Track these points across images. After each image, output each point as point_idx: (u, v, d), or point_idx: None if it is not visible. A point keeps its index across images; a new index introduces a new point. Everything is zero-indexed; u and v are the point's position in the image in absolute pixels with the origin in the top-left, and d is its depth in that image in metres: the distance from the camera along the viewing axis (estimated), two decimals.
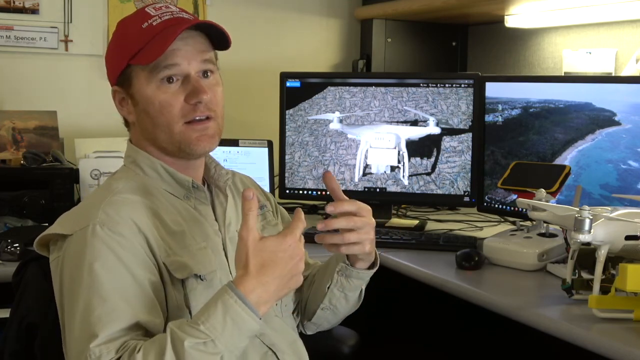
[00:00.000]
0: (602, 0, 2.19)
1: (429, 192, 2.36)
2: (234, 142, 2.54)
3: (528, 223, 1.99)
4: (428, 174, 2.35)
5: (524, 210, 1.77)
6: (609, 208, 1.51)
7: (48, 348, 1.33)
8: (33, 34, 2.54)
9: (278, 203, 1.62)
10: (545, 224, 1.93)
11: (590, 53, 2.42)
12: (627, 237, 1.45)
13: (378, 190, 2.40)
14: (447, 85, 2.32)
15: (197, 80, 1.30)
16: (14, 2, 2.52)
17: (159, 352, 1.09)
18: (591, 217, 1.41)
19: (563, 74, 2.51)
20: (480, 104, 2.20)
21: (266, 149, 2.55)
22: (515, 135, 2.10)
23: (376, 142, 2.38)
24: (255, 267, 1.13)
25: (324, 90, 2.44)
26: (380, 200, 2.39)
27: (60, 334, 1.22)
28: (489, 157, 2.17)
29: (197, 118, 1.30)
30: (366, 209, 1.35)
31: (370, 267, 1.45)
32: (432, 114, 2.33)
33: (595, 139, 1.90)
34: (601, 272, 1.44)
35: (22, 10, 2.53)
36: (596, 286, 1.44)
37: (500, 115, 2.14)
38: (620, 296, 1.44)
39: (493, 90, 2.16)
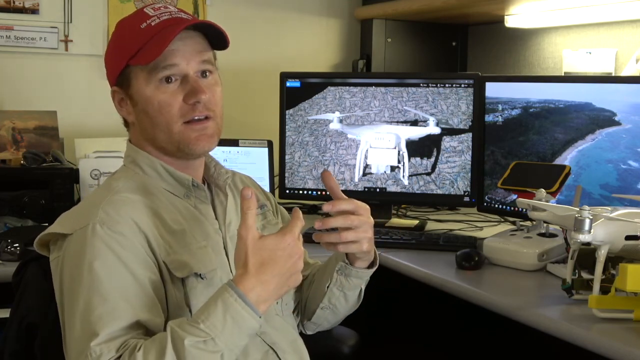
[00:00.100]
0: (602, 0, 2.19)
1: (429, 192, 2.36)
2: (234, 142, 2.54)
3: (528, 223, 1.99)
4: (428, 174, 2.35)
5: (524, 210, 1.77)
6: (609, 208, 1.51)
7: (48, 348, 1.33)
8: (33, 34, 2.54)
9: (278, 203, 1.62)
10: (545, 224, 1.93)
11: (590, 53, 2.42)
12: (627, 237, 1.45)
13: (378, 190, 2.40)
14: (447, 85, 2.32)
15: (196, 80, 1.30)
16: (14, 2, 2.52)
17: (160, 350, 1.09)
18: (591, 217, 1.41)
19: (563, 74, 2.51)
20: (480, 104, 2.20)
21: (266, 149, 2.55)
22: (515, 135, 2.10)
23: (376, 142, 2.38)
24: (255, 265, 1.14)
25: (324, 90, 2.44)
26: (380, 200, 2.39)
27: (60, 334, 1.22)
28: (489, 157, 2.17)
29: (195, 118, 1.30)
30: (364, 207, 1.35)
31: (370, 267, 1.45)
32: (432, 114, 2.33)
33: (595, 139, 1.90)
34: (601, 272, 1.44)
35: (22, 10, 2.53)
36: (596, 286, 1.44)
37: (500, 115, 2.14)
38: (620, 296, 1.44)
39: (493, 90, 2.16)
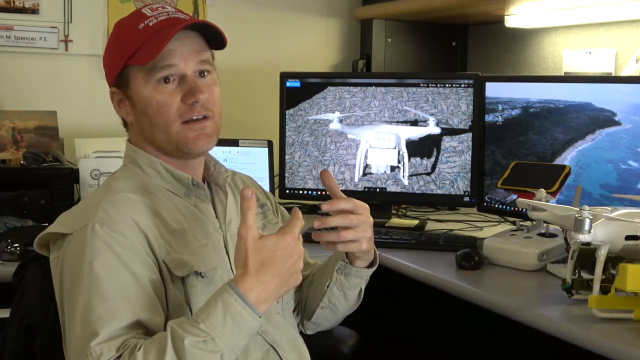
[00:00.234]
0: (602, 0, 2.19)
1: (429, 192, 2.36)
2: (234, 142, 2.54)
3: (528, 223, 1.99)
4: (428, 174, 2.35)
5: (524, 210, 1.77)
6: (609, 208, 1.51)
7: (48, 348, 1.33)
8: (33, 34, 2.54)
9: (278, 203, 1.62)
10: (545, 224, 1.93)
11: (590, 53, 2.42)
12: (627, 237, 1.45)
13: (378, 190, 2.40)
14: (447, 85, 2.32)
15: (194, 80, 1.30)
16: (14, 2, 2.52)
17: (160, 350, 1.09)
18: (591, 217, 1.41)
19: (563, 74, 2.51)
20: (480, 104, 2.20)
21: (266, 149, 2.55)
22: (515, 135, 2.10)
23: (376, 142, 2.38)
24: (255, 265, 1.14)
25: (324, 90, 2.44)
26: (380, 200, 2.39)
27: (60, 334, 1.22)
28: (489, 157, 2.17)
29: (194, 118, 1.30)
30: (363, 206, 1.35)
31: (370, 266, 1.45)
32: (432, 114, 2.33)
33: (595, 139, 1.90)
34: (601, 272, 1.44)
35: (22, 10, 2.53)
36: (596, 286, 1.44)
37: (500, 115, 2.14)
38: (620, 296, 1.44)
39: (493, 90, 2.16)
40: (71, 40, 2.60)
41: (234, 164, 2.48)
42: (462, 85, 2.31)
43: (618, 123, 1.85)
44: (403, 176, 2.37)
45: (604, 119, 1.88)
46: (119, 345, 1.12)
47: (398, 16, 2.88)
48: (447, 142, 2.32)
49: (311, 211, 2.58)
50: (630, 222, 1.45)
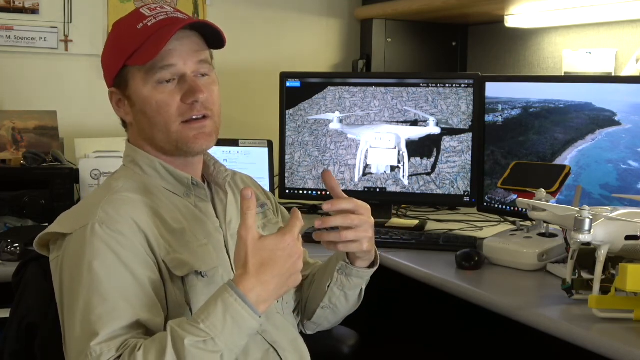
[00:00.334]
0: (602, 0, 2.19)
1: (429, 192, 2.36)
2: (234, 142, 2.54)
3: (528, 223, 1.99)
4: (428, 174, 2.35)
5: (524, 210, 1.77)
6: (609, 208, 1.51)
7: (48, 348, 1.33)
8: (33, 34, 2.54)
9: (278, 203, 1.62)
10: (545, 224, 1.93)
11: (590, 53, 2.42)
12: (627, 237, 1.45)
13: (378, 190, 2.40)
14: (447, 85, 2.32)
15: (193, 79, 1.30)
16: (14, 2, 2.52)
17: (160, 350, 1.09)
18: (591, 217, 1.41)
19: (563, 74, 2.51)
20: (480, 104, 2.20)
21: (266, 149, 2.55)
22: (515, 135, 2.10)
23: (376, 142, 2.38)
24: (255, 266, 1.14)
25: (324, 90, 2.44)
26: (380, 200, 2.39)
27: (60, 334, 1.22)
28: (489, 157, 2.17)
29: (194, 117, 1.30)
30: (364, 207, 1.35)
31: (371, 266, 1.45)
32: (432, 114, 2.33)
33: (595, 139, 1.90)
34: (601, 272, 1.44)
35: (22, 10, 2.53)
36: (596, 286, 1.44)
37: (500, 115, 2.14)
38: (620, 296, 1.44)
39: (493, 90, 2.16)
40: (71, 40, 2.60)
41: (234, 164, 2.48)
42: (462, 85, 2.31)
43: (618, 123, 1.85)
44: (403, 176, 2.37)
45: (604, 119, 1.88)
46: (119, 345, 1.12)
47: (398, 16, 2.88)
48: (447, 142, 2.32)
49: (311, 211, 2.59)
50: (630, 222, 1.45)
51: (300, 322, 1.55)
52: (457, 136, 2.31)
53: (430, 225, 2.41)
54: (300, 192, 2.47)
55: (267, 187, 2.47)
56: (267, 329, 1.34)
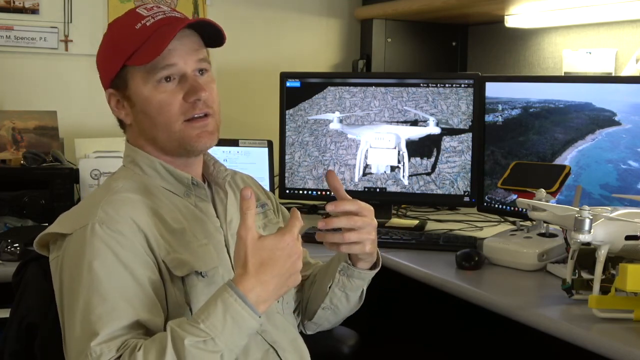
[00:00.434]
0: (602, 0, 2.19)
1: (429, 192, 2.36)
2: (234, 142, 2.54)
3: (528, 223, 1.99)
4: (428, 174, 2.35)
5: (524, 210, 1.77)
6: (609, 208, 1.51)
7: (48, 348, 1.33)
8: (33, 34, 2.54)
9: (279, 203, 1.62)
10: (545, 224, 1.93)
11: (590, 53, 2.42)
12: (627, 237, 1.44)
13: (378, 190, 2.40)
14: (447, 85, 2.32)
15: (194, 78, 1.31)
16: (14, 2, 2.52)
17: (160, 350, 1.09)
18: (591, 217, 1.41)
19: (563, 74, 2.51)
20: (480, 104, 2.20)
21: (266, 149, 2.55)
22: (515, 135, 2.10)
23: (376, 142, 2.38)
24: (254, 266, 1.14)
25: (324, 90, 2.44)
26: (380, 200, 2.38)
27: (60, 334, 1.22)
28: (489, 157, 2.17)
29: (196, 115, 1.30)
30: (368, 209, 1.35)
31: (372, 268, 1.45)
32: (432, 114, 2.33)
33: (595, 139, 1.90)
34: (601, 272, 1.44)
35: (22, 10, 2.53)
36: (596, 286, 1.44)
37: (500, 115, 2.14)
38: (620, 296, 1.44)
39: (493, 90, 2.16)
40: (71, 40, 2.60)
41: (234, 164, 2.48)
42: (462, 85, 2.31)
43: (618, 123, 1.85)
44: (403, 176, 2.37)
45: (604, 119, 1.88)
46: (119, 346, 1.12)
47: (398, 16, 2.88)
48: (447, 142, 2.32)
49: (311, 211, 2.59)
50: (630, 222, 1.45)
51: (300, 323, 1.55)
52: (457, 136, 2.31)
53: (430, 225, 2.41)
54: (300, 192, 2.47)
55: (267, 187, 2.47)
56: (267, 329, 1.34)
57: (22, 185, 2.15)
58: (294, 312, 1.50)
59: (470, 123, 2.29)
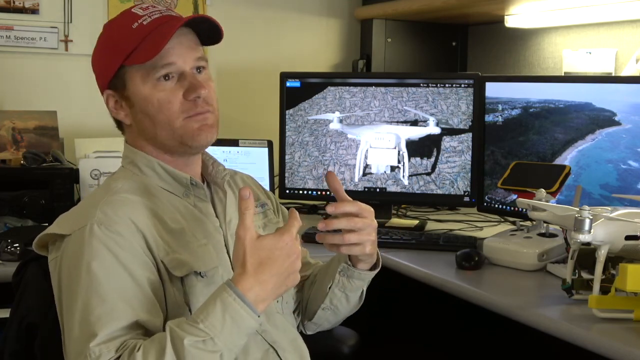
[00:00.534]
0: (602, 0, 2.19)
1: (429, 192, 2.36)
2: (234, 142, 2.54)
3: (528, 223, 1.99)
4: (428, 174, 2.35)
5: (524, 210, 1.77)
6: (609, 208, 1.51)
7: (48, 348, 1.33)
8: (33, 34, 2.54)
9: (279, 202, 1.62)
10: (545, 224, 1.93)
11: (590, 53, 2.42)
12: (627, 237, 1.44)
13: (378, 190, 2.40)
14: (447, 85, 2.32)
15: (194, 76, 1.31)
16: (14, 2, 2.52)
17: (159, 350, 1.09)
18: (591, 217, 1.41)
19: (563, 74, 2.51)
20: (480, 104, 2.20)
21: (266, 149, 2.55)
22: (515, 135, 2.10)
23: (376, 142, 2.38)
24: (253, 265, 1.14)
25: (324, 90, 2.44)
26: (380, 200, 2.38)
27: (60, 334, 1.22)
28: (489, 157, 2.17)
29: (197, 113, 1.31)
30: (368, 210, 1.35)
31: (373, 269, 1.45)
32: (432, 114, 2.33)
33: (595, 139, 1.90)
34: (601, 272, 1.44)
35: (22, 10, 2.53)
36: (596, 286, 1.44)
37: (500, 115, 2.14)
38: (620, 296, 1.44)
39: (493, 90, 2.16)
40: (71, 40, 2.60)
41: (234, 164, 2.48)
42: (462, 85, 2.31)
43: (618, 123, 1.85)
44: (403, 176, 2.37)
45: (604, 119, 1.88)
46: (118, 346, 1.12)
47: (398, 16, 2.88)
48: (447, 142, 2.32)
49: (311, 211, 2.59)
50: (630, 222, 1.45)
51: (300, 323, 1.55)
52: (457, 136, 2.31)
53: (430, 225, 2.41)
54: (300, 192, 2.47)
55: (267, 187, 2.47)
56: (267, 328, 1.34)
57: (22, 185, 2.15)
58: (294, 312, 1.50)
59: (470, 123, 2.29)
